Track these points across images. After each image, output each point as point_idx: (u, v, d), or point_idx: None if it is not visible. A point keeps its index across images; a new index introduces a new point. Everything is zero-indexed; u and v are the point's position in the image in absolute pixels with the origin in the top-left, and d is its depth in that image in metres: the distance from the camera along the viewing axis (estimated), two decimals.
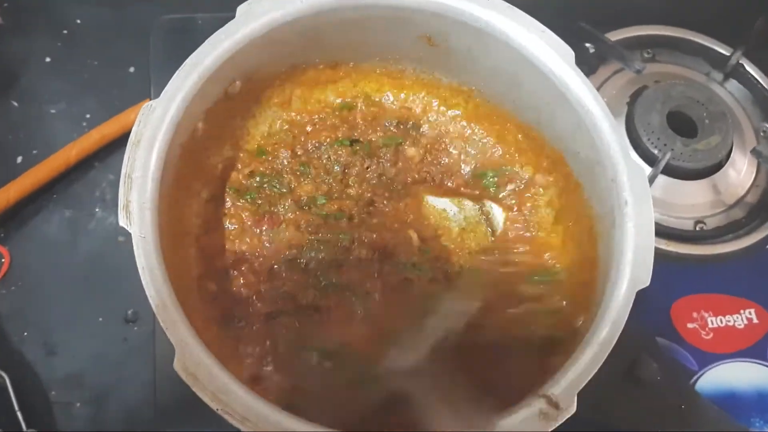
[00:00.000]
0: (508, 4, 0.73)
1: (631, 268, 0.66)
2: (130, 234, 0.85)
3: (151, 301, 0.59)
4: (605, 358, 0.62)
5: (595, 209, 0.73)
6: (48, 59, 0.99)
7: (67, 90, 0.97)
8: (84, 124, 0.94)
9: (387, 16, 0.74)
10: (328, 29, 0.74)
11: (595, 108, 0.71)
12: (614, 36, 1.04)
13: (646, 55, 1.03)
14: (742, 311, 0.92)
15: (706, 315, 0.90)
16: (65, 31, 1.01)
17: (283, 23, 0.70)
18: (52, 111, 0.95)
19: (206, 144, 0.73)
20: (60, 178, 0.90)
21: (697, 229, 0.95)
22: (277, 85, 0.79)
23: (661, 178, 0.94)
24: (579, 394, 0.61)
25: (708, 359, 0.88)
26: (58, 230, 0.89)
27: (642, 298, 0.66)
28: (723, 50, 1.06)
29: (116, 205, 0.85)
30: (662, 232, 0.92)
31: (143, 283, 0.60)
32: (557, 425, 0.59)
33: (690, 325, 0.89)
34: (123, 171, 0.63)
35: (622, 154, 0.70)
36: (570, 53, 0.72)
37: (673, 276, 0.92)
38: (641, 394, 0.67)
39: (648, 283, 0.66)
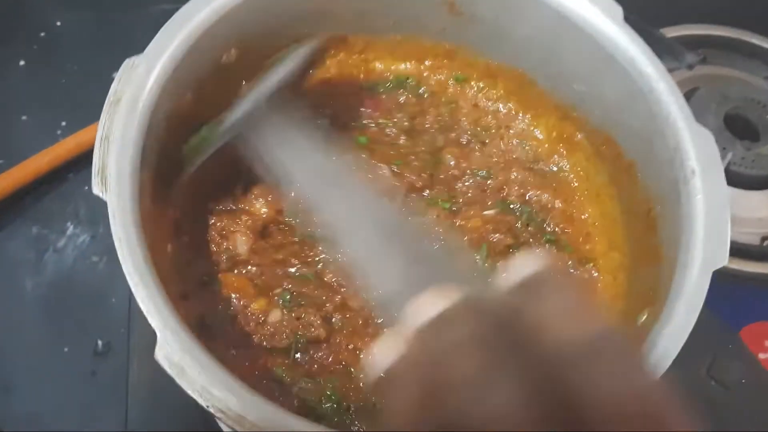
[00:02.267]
0: None
1: (704, 246, 0.61)
2: (104, 254, 0.84)
3: (128, 278, 0.55)
4: (680, 348, 0.57)
5: (653, 189, 0.69)
6: (22, 62, 0.98)
7: (42, 96, 0.96)
8: (59, 132, 0.92)
9: None
10: None
11: (650, 69, 0.68)
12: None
13: (697, 56, 1.02)
14: None
15: None
16: (43, 34, 1.01)
17: None
18: (24, 118, 0.94)
19: (195, 119, 0.69)
20: (29, 190, 0.87)
21: (765, 245, 0.90)
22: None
23: None
24: None
25: None
26: (22, 248, 0.86)
27: (704, 323, 0.62)
28: None
29: (92, 221, 0.86)
30: None
31: (120, 257, 0.55)
32: None
33: (763, 356, 0.83)
34: (99, 133, 0.60)
35: (684, 118, 0.66)
36: (618, 9, 0.70)
37: (740, 299, 0.87)
38: (724, 397, 0.61)
39: (726, 262, 0.61)
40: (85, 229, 0.87)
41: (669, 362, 0.56)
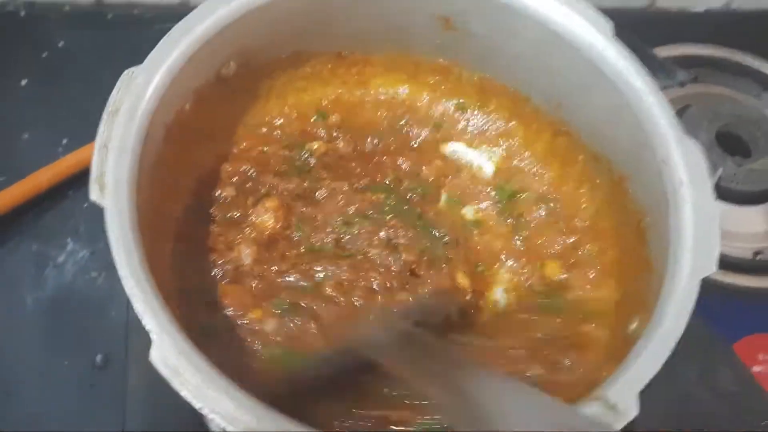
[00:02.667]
0: None
1: (692, 255, 0.62)
2: (103, 270, 0.84)
3: (124, 282, 0.55)
4: (669, 354, 0.57)
5: (643, 201, 0.70)
6: (24, 82, 0.99)
7: (43, 114, 0.96)
8: (60, 149, 0.92)
9: None
10: (334, 8, 0.74)
11: (639, 82, 0.69)
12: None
13: (689, 75, 1.03)
14: None
15: None
16: (45, 54, 1.01)
17: None
18: (25, 136, 0.94)
19: (194, 131, 0.70)
20: (30, 206, 0.87)
21: (757, 259, 0.90)
22: (276, 77, 0.78)
23: None
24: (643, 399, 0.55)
25: None
26: (23, 264, 0.85)
27: (698, 336, 0.62)
28: None
29: (91, 237, 0.86)
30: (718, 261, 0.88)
31: (116, 262, 0.55)
32: (618, 430, 0.54)
33: (757, 369, 0.83)
34: (98, 141, 0.60)
35: (672, 130, 0.67)
36: (608, 24, 0.71)
37: (733, 312, 0.88)
38: (717, 405, 0.61)
39: (714, 270, 0.61)
40: (84, 245, 0.87)
41: (658, 367, 0.56)
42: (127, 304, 0.75)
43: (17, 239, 0.87)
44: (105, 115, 0.61)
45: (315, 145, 0.79)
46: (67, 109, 0.96)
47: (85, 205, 0.89)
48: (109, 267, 0.80)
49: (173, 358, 0.52)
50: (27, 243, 0.86)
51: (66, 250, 0.87)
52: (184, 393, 0.52)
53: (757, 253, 0.91)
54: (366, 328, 0.68)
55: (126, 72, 0.63)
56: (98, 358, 0.80)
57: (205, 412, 0.51)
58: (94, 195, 0.58)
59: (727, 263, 0.89)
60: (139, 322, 0.54)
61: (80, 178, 0.89)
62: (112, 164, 0.59)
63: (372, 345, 0.64)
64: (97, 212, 0.57)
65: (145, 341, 0.53)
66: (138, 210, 0.59)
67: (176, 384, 0.52)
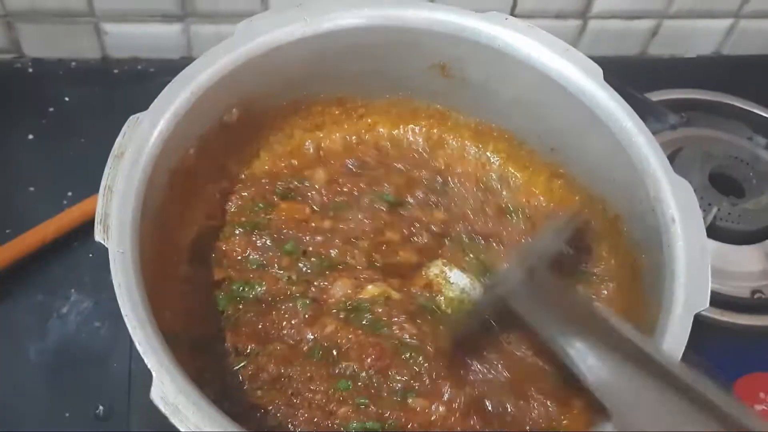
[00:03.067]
0: (528, 23, 0.74)
1: (686, 290, 0.62)
2: (106, 320, 0.83)
3: (126, 321, 0.55)
4: None
5: (637, 239, 0.71)
6: (31, 136, 0.99)
7: (49, 168, 0.96)
8: (65, 202, 0.92)
9: (395, 41, 0.76)
10: (333, 56, 0.76)
11: (630, 124, 0.70)
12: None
13: (680, 119, 1.04)
14: None
15: None
16: (52, 109, 1.02)
17: (284, 43, 0.72)
18: (31, 189, 0.94)
19: (198, 176, 0.72)
20: (35, 258, 0.87)
21: (755, 298, 0.90)
22: (277, 125, 0.79)
23: (712, 243, 0.91)
24: None
25: None
26: (27, 315, 0.84)
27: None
28: (766, 113, 1.07)
29: (95, 288, 0.86)
30: (717, 300, 0.87)
31: (119, 301, 0.56)
32: None
33: (758, 407, 0.83)
34: (103, 183, 0.61)
35: (662, 169, 0.68)
36: (598, 70, 0.72)
37: (733, 351, 0.87)
38: None
39: (707, 305, 0.62)
40: (88, 295, 0.86)
41: None
42: (130, 355, 0.78)
43: (22, 290, 0.85)
44: (110, 159, 0.63)
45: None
46: (72, 162, 0.96)
47: (90, 256, 0.88)
48: (112, 317, 0.83)
49: (173, 396, 0.53)
50: (32, 294, 0.85)
51: (70, 301, 0.86)
52: (183, 429, 0.52)
53: (755, 292, 0.91)
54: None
55: (132, 117, 0.65)
56: (100, 409, 0.78)
57: None
58: (98, 236, 0.59)
59: (725, 302, 0.88)
60: (141, 373, 0.54)
61: (85, 230, 0.89)
62: (117, 207, 0.60)
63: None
64: (102, 263, 0.57)
65: (147, 391, 0.53)
66: (141, 252, 0.60)
67: (176, 421, 0.52)
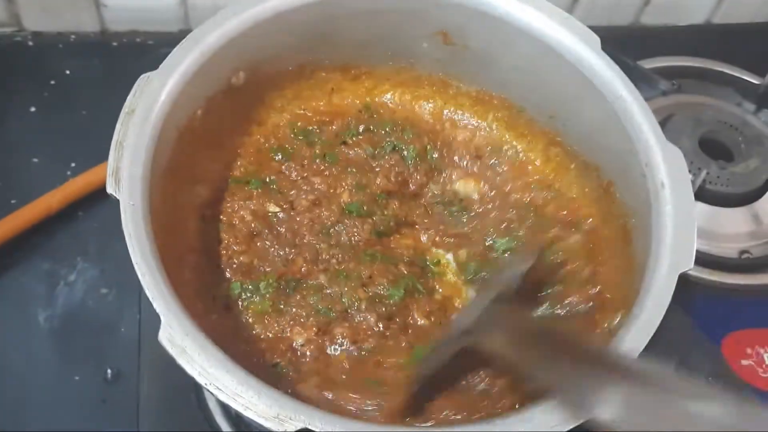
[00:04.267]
0: None
1: (671, 251, 0.63)
2: (112, 287, 0.84)
3: (137, 268, 0.56)
4: (647, 343, 0.58)
5: (628, 203, 0.72)
6: (33, 109, 0.98)
7: (52, 139, 0.96)
8: (68, 173, 0.92)
9: (399, 8, 0.76)
10: (338, 23, 0.76)
11: (625, 92, 0.71)
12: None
13: (672, 86, 1.04)
14: None
15: (761, 351, 0.86)
16: (53, 82, 1.01)
17: (290, 8, 0.72)
18: (35, 160, 0.94)
19: (205, 137, 0.72)
20: (41, 228, 0.87)
21: (743, 258, 0.91)
22: (286, 87, 0.80)
23: (701, 206, 0.93)
24: None
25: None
26: (35, 283, 0.85)
27: (688, 332, 0.63)
28: (754, 79, 1.07)
29: (102, 255, 0.86)
30: (705, 260, 0.90)
31: (129, 250, 0.57)
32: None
33: (744, 362, 0.85)
34: (114, 138, 0.62)
35: (655, 136, 0.69)
36: (596, 39, 0.73)
37: (721, 309, 0.89)
38: None
39: (691, 266, 0.63)
40: (94, 263, 0.86)
41: (637, 355, 0.57)
42: (139, 319, 0.80)
43: (29, 259, 0.86)
44: (121, 116, 0.63)
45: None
46: (75, 133, 0.96)
47: (95, 225, 0.89)
48: (119, 284, 0.85)
49: (179, 338, 0.54)
50: (39, 263, 0.86)
51: (77, 269, 0.86)
52: (189, 369, 0.53)
53: (742, 252, 0.92)
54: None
55: (142, 76, 0.65)
56: (109, 372, 0.79)
57: (209, 388, 0.53)
58: (109, 189, 0.60)
59: (714, 263, 0.90)
60: (150, 336, 0.54)
61: (89, 200, 0.90)
62: (127, 161, 0.61)
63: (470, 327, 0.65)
64: (106, 231, 0.57)
65: (157, 354, 0.53)
66: (151, 204, 0.61)
67: (182, 362, 0.53)
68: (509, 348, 0.61)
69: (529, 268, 0.70)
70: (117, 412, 0.77)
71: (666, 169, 0.67)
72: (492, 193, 0.81)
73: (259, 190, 0.76)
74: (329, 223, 0.75)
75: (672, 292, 0.61)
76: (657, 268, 0.62)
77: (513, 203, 0.80)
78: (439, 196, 0.80)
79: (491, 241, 0.78)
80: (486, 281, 0.74)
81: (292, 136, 0.80)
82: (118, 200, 0.59)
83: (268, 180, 0.77)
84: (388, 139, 0.82)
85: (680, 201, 0.65)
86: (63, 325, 0.82)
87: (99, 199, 0.89)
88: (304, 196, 0.76)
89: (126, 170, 0.61)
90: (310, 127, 0.81)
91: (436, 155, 0.82)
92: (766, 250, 0.93)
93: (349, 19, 0.76)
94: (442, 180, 0.82)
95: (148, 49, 1.06)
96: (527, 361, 0.59)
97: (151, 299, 0.55)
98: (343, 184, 0.77)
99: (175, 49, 0.67)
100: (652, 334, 0.59)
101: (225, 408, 0.71)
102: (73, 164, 0.93)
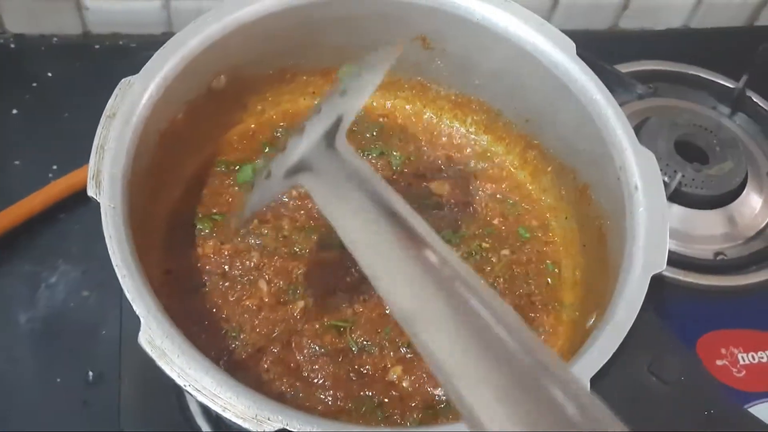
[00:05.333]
0: None
1: (644, 253, 0.64)
2: (94, 289, 0.84)
3: (117, 270, 0.57)
4: (620, 343, 0.59)
5: (603, 206, 0.73)
6: (15, 111, 0.98)
7: (34, 142, 0.95)
8: (50, 175, 0.92)
9: (379, 13, 0.77)
10: (318, 27, 0.76)
11: (599, 96, 0.72)
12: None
13: (648, 89, 1.05)
14: None
15: (736, 351, 0.87)
16: (35, 84, 1.01)
17: (272, 13, 0.72)
18: (17, 162, 0.94)
19: (186, 140, 0.73)
20: (22, 230, 0.86)
21: (718, 259, 0.92)
22: (266, 91, 0.80)
23: (677, 208, 0.94)
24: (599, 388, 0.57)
25: (742, 398, 0.84)
26: (16, 285, 0.85)
27: (662, 333, 0.64)
28: (729, 83, 1.08)
29: (83, 257, 0.86)
30: (681, 262, 0.91)
31: (110, 253, 0.57)
32: None
33: (719, 362, 0.86)
34: (95, 142, 0.62)
35: (628, 139, 0.70)
36: (571, 45, 0.74)
37: (696, 310, 0.90)
38: (664, 394, 0.62)
39: (664, 267, 0.63)
40: (76, 265, 0.86)
41: (609, 356, 0.58)
42: (120, 321, 0.79)
43: (10, 262, 0.85)
44: (102, 119, 0.64)
45: None
46: (57, 136, 0.95)
47: (77, 227, 0.89)
48: (101, 286, 0.84)
49: (159, 340, 0.54)
50: (20, 265, 0.86)
51: (58, 271, 0.86)
52: (168, 371, 0.53)
53: (717, 254, 0.93)
54: None
55: (123, 80, 0.66)
56: (90, 375, 0.79)
57: (188, 389, 0.53)
58: (90, 191, 0.60)
59: (690, 264, 0.91)
60: (131, 338, 0.55)
61: (71, 202, 0.89)
62: (108, 164, 0.62)
63: None
64: (88, 234, 0.57)
65: (138, 357, 0.54)
66: (130, 207, 0.61)
67: (161, 363, 0.54)
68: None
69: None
70: (98, 414, 0.76)
71: (639, 171, 0.68)
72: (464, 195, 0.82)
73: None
74: (318, 218, 0.75)
75: (644, 294, 0.62)
76: (630, 270, 0.63)
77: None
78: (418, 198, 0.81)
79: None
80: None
81: (276, 137, 0.81)
82: (99, 203, 0.60)
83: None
84: (375, 144, 0.82)
85: (653, 203, 0.66)
86: (44, 327, 0.82)
87: (81, 201, 0.88)
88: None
89: (107, 173, 0.61)
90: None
91: (423, 159, 0.83)
92: (740, 251, 0.94)
93: (329, 24, 0.76)
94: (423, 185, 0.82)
95: (130, 52, 1.06)
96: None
97: (130, 301, 0.56)
98: None
99: (156, 53, 0.67)
100: (624, 335, 0.59)
101: (205, 409, 0.71)
102: (54, 167, 0.92)
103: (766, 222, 0.97)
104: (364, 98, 0.56)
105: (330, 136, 0.53)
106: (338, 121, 0.53)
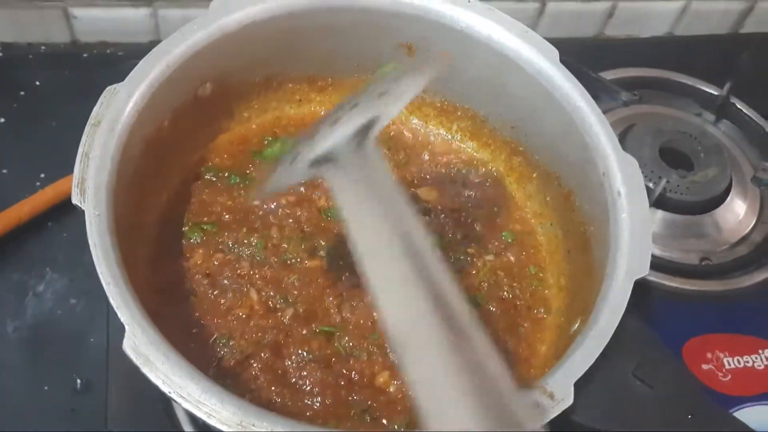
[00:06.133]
0: (489, 6, 0.75)
1: (627, 258, 0.64)
2: (81, 297, 0.84)
3: (101, 278, 0.57)
4: (603, 347, 0.59)
5: (587, 212, 0.73)
6: (2, 120, 0.98)
7: (22, 150, 0.96)
8: (38, 183, 0.92)
9: (365, 21, 0.77)
10: (304, 35, 0.76)
11: (583, 103, 0.72)
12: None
13: (633, 97, 1.06)
14: (760, 351, 0.89)
15: (721, 355, 0.87)
16: (23, 93, 1.01)
17: (257, 21, 0.72)
18: (4, 171, 0.94)
19: (172, 146, 0.73)
20: (10, 238, 0.86)
21: (703, 264, 0.93)
22: (253, 99, 0.81)
23: (662, 214, 0.95)
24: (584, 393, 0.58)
25: (728, 402, 0.84)
26: (3, 293, 0.85)
27: (649, 338, 0.64)
28: (713, 90, 1.09)
29: (71, 265, 0.86)
30: (667, 267, 0.92)
31: (94, 260, 0.57)
32: (553, 416, 0.56)
33: (705, 367, 0.86)
34: (80, 150, 0.63)
35: (611, 146, 0.70)
36: (554, 51, 0.74)
37: (682, 314, 0.90)
38: (650, 398, 0.63)
39: (646, 272, 0.64)
40: (63, 273, 0.86)
41: (592, 360, 0.59)
42: (107, 329, 0.80)
43: None
44: (87, 127, 0.64)
45: None
46: (44, 145, 0.95)
47: (64, 235, 0.89)
48: (88, 294, 0.84)
49: (144, 347, 0.54)
50: (7, 273, 0.86)
51: (45, 279, 0.86)
52: (153, 378, 0.54)
53: (702, 259, 0.94)
54: None
55: (109, 88, 0.66)
56: (78, 382, 0.79)
57: (173, 396, 0.53)
58: (75, 199, 0.60)
59: (675, 269, 0.92)
60: (118, 346, 0.55)
61: (58, 210, 0.89)
62: (93, 172, 0.62)
63: None
64: (76, 242, 0.57)
65: (125, 365, 0.54)
66: (116, 215, 0.61)
67: (146, 370, 0.54)
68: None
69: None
70: (86, 421, 0.76)
71: (622, 177, 0.68)
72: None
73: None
74: (307, 227, 0.75)
75: (627, 299, 0.62)
76: (613, 275, 0.64)
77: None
78: None
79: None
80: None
81: (264, 143, 0.81)
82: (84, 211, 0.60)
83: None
84: None
85: (636, 209, 0.67)
86: (32, 335, 0.82)
87: (68, 209, 0.87)
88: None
89: (91, 181, 0.61)
90: (283, 136, 0.82)
91: (411, 166, 0.84)
92: (725, 256, 0.95)
93: (315, 32, 0.77)
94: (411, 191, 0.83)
95: (118, 61, 1.06)
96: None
97: (115, 308, 0.56)
98: (320, 190, 0.77)
99: (141, 60, 0.67)
100: (607, 340, 0.60)
101: (192, 417, 0.71)
102: (42, 175, 0.92)
103: (750, 227, 0.97)
104: (402, 105, 0.56)
105: (362, 135, 0.52)
106: (372, 122, 0.52)
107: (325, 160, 0.53)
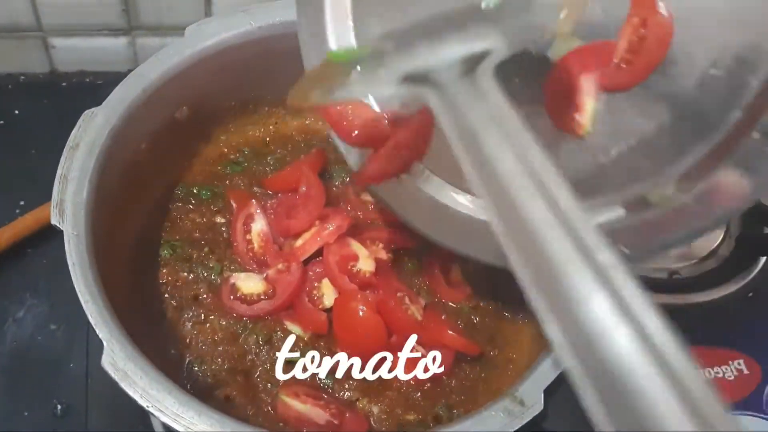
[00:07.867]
0: None
1: None
2: (61, 322, 0.85)
3: (80, 296, 0.59)
4: None
5: None
6: None
7: (1, 178, 0.97)
8: (18, 211, 0.93)
9: None
10: (279, 59, 0.77)
11: None
12: None
13: None
14: (730, 362, 0.90)
15: None
16: (2, 122, 1.02)
17: (232, 46, 0.75)
18: None
19: (149, 168, 0.75)
20: None
21: (673, 278, 0.95)
22: (229, 122, 0.82)
23: None
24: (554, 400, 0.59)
25: None
26: None
27: None
28: None
29: (51, 291, 0.87)
30: None
31: (73, 279, 0.59)
32: (523, 423, 0.57)
33: None
34: (58, 172, 0.64)
35: None
36: None
37: None
38: None
39: None
40: (43, 299, 0.87)
41: (560, 369, 0.59)
42: (87, 354, 0.81)
43: None
44: (66, 150, 0.66)
45: None
46: (24, 172, 0.96)
47: (44, 262, 0.90)
48: (68, 320, 0.85)
49: (122, 363, 0.56)
50: None
51: (25, 305, 0.87)
52: (131, 392, 0.55)
53: (672, 273, 0.96)
54: None
55: (86, 112, 0.68)
56: (58, 408, 0.80)
57: (151, 410, 0.54)
58: (54, 219, 0.62)
59: (645, 283, 0.92)
60: (98, 371, 0.56)
61: (38, 237, 0.90)
62: (71, 193, 0.63)
63: None
64: (55, 268, 0.58)
65: (104, 389, 0.55)
66: (94, 235, 0.63)
67: (124, 385, 0.55)
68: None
69: None
70: None
71: None
72: None
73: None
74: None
75: None
76: None
77: None
78: None
79: None
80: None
81: (241, 159, 0.83)
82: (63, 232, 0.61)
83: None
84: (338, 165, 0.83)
85: None
86: (12, 361, 0.82)
87: (48, 236, 0.89)
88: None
89: (69, 202, 0.63)
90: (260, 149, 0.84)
91: None
92: (694, 270, 0.96)
93: (289, 56, 0.77)
94: None
95: (96, 89, 1.06)
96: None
97: (93, 325, 0.57)
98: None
99: (118, 85, 0.69)
100: None
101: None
102: (22, 202, 0.93)
103: (718, 242, 0.99)
104: (520, 45, 0.47)
105: (470, 64, 0.44)
106: (484, 54, 0.44)
107: (422, 79, 0.45)
